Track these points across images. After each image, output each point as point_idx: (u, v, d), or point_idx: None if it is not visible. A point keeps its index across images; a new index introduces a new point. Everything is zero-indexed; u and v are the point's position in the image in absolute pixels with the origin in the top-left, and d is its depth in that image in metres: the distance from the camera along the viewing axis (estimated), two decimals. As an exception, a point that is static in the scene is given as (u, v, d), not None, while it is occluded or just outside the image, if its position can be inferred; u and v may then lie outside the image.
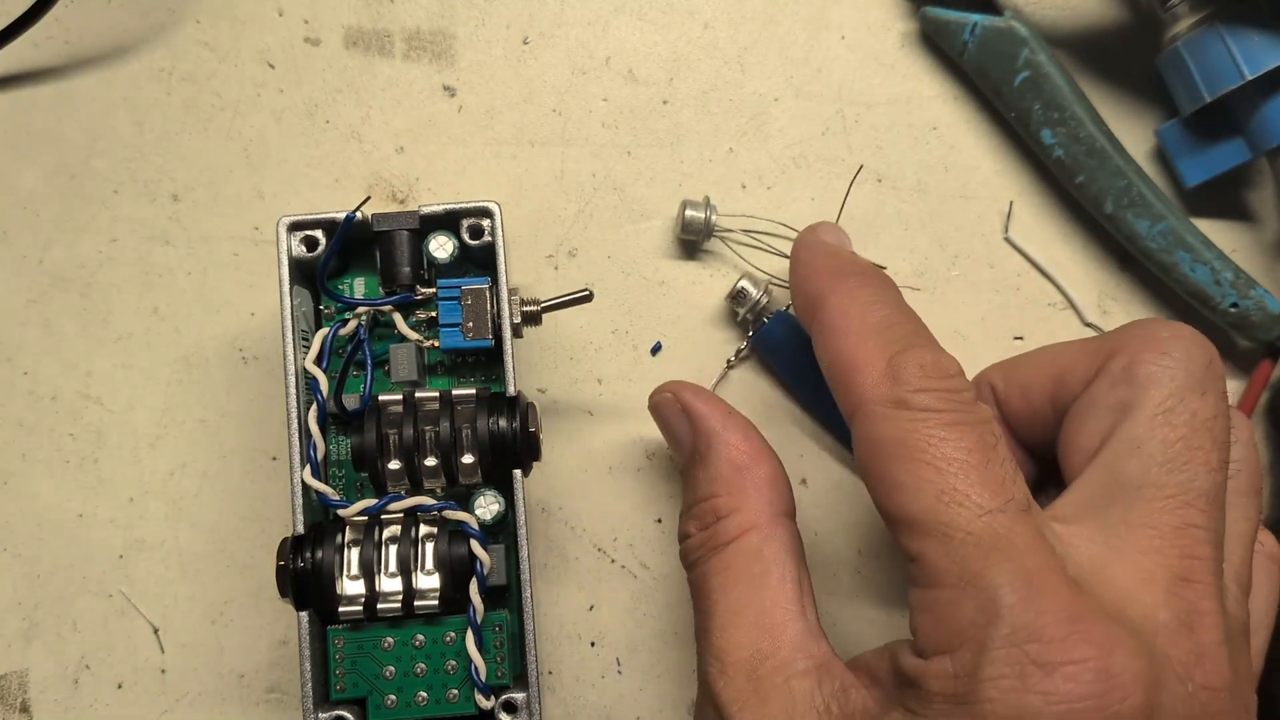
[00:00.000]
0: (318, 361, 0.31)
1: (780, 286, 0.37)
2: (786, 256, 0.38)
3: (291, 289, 0.32)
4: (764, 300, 0.37)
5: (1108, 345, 0.29)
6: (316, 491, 0.31)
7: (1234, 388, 0.39)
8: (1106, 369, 0.28)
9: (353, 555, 0.31)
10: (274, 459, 0.37)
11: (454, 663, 0.31)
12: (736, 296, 0.37)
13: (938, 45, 0.39)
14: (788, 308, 0.37)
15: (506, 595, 0.33)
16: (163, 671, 0.36)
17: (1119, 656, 0.23)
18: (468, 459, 0.31)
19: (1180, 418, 0.26)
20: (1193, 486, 0.25)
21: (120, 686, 0.36)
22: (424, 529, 0.31)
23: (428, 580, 0.31)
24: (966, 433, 0.25)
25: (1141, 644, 0.23)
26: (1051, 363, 0.30)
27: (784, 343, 0.37)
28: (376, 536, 0.31)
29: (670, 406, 0.33)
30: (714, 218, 0.37)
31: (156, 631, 0.37)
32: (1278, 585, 0.30)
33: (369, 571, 0.30)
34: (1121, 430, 0.27)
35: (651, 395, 0.33)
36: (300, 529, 0.31)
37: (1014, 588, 0.23)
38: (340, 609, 0.30)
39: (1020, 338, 0.39)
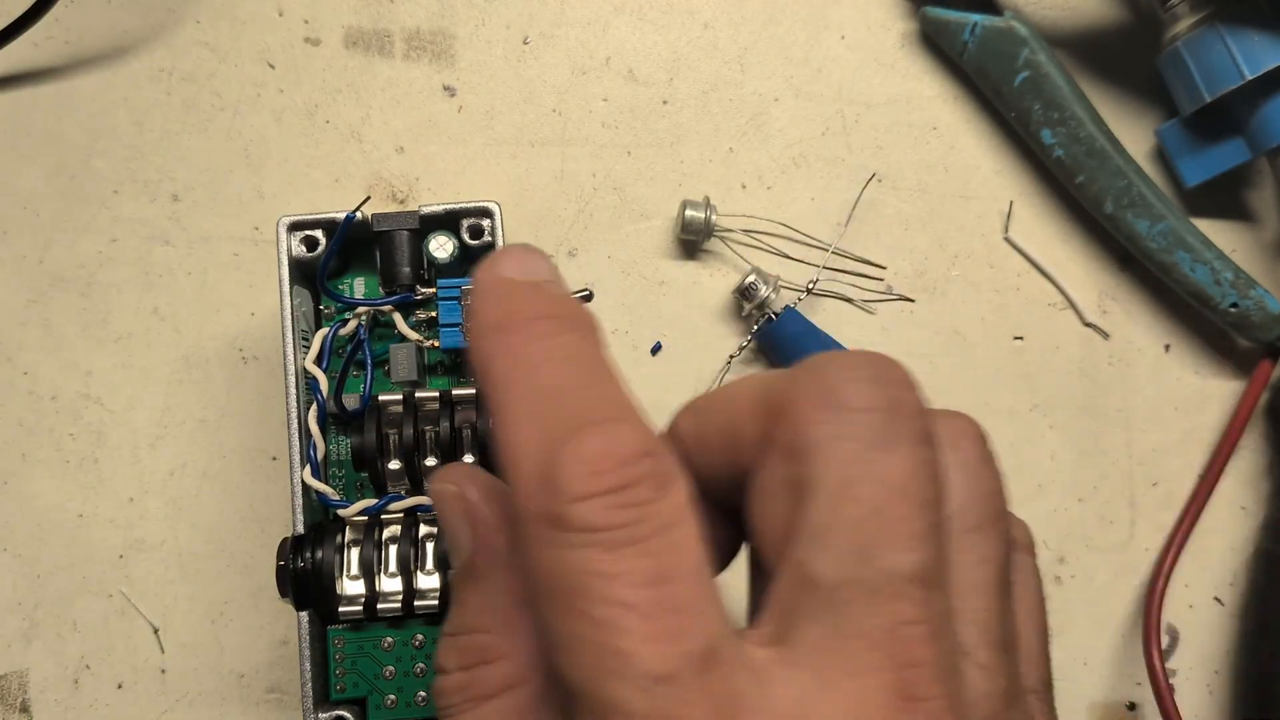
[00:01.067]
0: (318, 361, 0.31)
1: (786, 287, 0.37)
2: (787, 256, 0.38)
3: (291, 289, 0.32)
4: (772, 296, 0.37)
5: (775, 399, 0.22)
6: (317, 491, 0.31)
7: (1234, 388, 0.39)
8: (775, 438, 0.22)
9: (353, 555, 0.31)
10: (274, 459, 0.37)
11: (454, 663, 0.31)
12: (745, 291, 0.37)
13: (938, 45, 0.39)
14: (795, 304, 0.37)
15: (506, 595, 0.33)
16: (163, 671, 0.36)
17: None
18: (468, 459, 0.31)
19: (865, 490, 0.20)
20: (898, 572, 0.19)
21: (120, 686, 0.36)
22: (424, 529, 0.31)
23: (428, 580, 0.31)
24: (635, 559, 0.19)
25: None
26: (722, 418, 0.23)
27: (791, 339, 0.37)
28: (376, 536, 0.31)
29: (452, 504, 0.25)
30: (714, 218, 0.37)
31: (156, 631, 0.37)
32: (1037, 583, 0.25)
33: (369, 571, 0.30)
34: (803, 519, 0.20)
35: (434, 481, 0.26)
36: (300, 529, 0.31)
37: None
38: (340, 609, 0.30)
39: (1020, 338, 0.39)
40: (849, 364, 0.21)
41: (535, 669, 0.23)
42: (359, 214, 0.32)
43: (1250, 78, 0.34)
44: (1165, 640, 0.38)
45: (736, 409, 0.23)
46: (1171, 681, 0.38)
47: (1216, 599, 0.38)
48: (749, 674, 0.19)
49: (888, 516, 0.20)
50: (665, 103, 0.39)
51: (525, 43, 0.39)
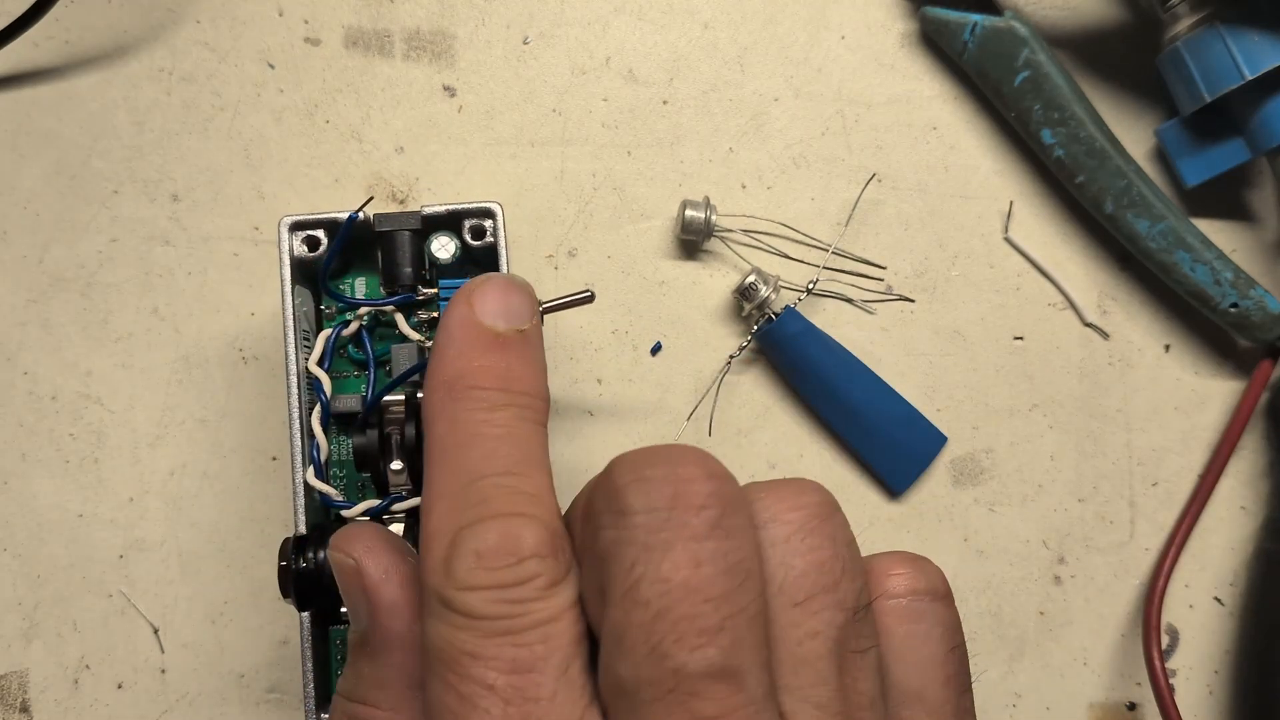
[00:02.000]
0: (320, 363, 0.31)
1: (786, 287, 0.37)
2: (787, 256, 0.38)
3: (293, 289, 0.32)
4: (772, 296, 0.37)
5: (587, 503, 0.22)
6: (320, 493, 0.31)
7: (1234, 388, 0.39)
8: (585, 544, 0.22)
9: (354, 555, 0.31)
10: (274, 459, 0.37)
11: (455, 663, 0.31)
12: (745, 291, 0.37)
13: (938, 45, 0.39)
14: (795, 304, 0.37)
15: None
16: (163, 671, 0.36)
17: None
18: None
19: (647, 592, 0.20)
20: (689, 670, 0.20)
21: (120, 686, 0.36)
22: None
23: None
24: (506, 648, 0.20)
25: None
26: (570, 522, 0.23)
27: (791, 339, 0.37)
28: (378, 537, 0.31)
29: (349, 578, 0.25)
30: (714, 218, 0.37)
31: (156, 631, 0.36)
32: (943, 630, 0.24)
33: (370, 572, 0.30)
34: (606, 623, 0.21)
35: (332, 547, 0.26)
36: (302, 529, 0.31)
37: None
38: (342, 609, 0.30)
39: (1020, 338, 0.39)
40: (635, 463, 0.21)
41: None
42: (361, 214, 0.32)
43: (1250, 78, 0.34)
44: (1165, 640, 0.38)
45: (572, 514, 0.23)
46: (1171, 681, 0.38)
47: (1216, 599, 0.39)
48: None
49: (673, 616, 0.20)
50: (665, 103, 0.39)
51: (525, 43, 0.39)
